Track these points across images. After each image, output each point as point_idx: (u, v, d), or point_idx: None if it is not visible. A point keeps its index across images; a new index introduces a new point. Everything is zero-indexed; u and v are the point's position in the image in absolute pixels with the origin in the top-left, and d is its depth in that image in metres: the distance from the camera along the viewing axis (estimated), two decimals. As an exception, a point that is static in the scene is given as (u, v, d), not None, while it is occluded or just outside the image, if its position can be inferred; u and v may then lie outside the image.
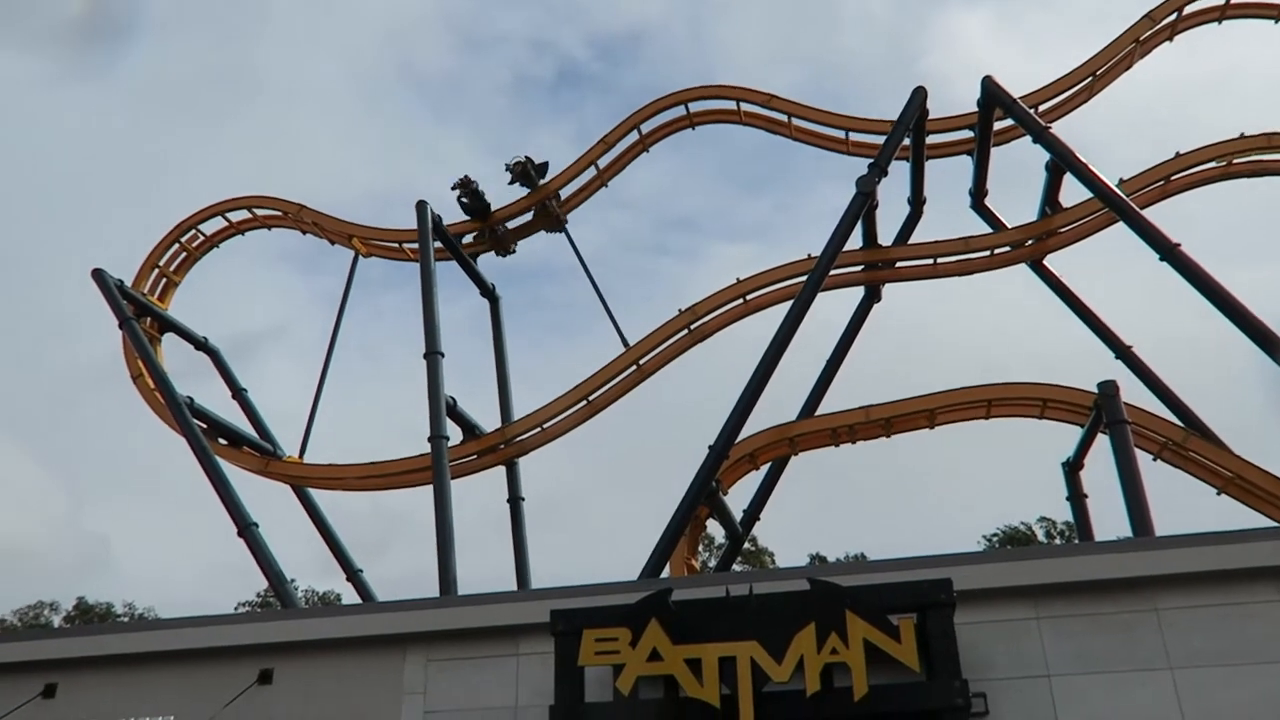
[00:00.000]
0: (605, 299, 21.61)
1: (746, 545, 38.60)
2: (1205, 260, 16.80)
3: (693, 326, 20.18)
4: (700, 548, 36.92)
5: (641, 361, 20.12)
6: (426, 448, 18.52)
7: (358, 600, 20.53)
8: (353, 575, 20.83)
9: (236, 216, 23.84)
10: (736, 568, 29.39)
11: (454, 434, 19.47)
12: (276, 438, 21.99)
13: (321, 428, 21.26)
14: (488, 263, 23.53)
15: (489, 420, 21.29)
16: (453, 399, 19.48)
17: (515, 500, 21.50)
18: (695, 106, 22.78)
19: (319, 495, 21.53)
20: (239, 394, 22.68)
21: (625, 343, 20.41)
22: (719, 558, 28.68)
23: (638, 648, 8.20)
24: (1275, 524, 16.05)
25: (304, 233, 23.88)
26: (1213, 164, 20.23)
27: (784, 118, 22.09)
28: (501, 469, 21.29)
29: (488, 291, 23.64)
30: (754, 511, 20.68)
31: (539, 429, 20.14)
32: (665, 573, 16.46)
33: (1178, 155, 20.00)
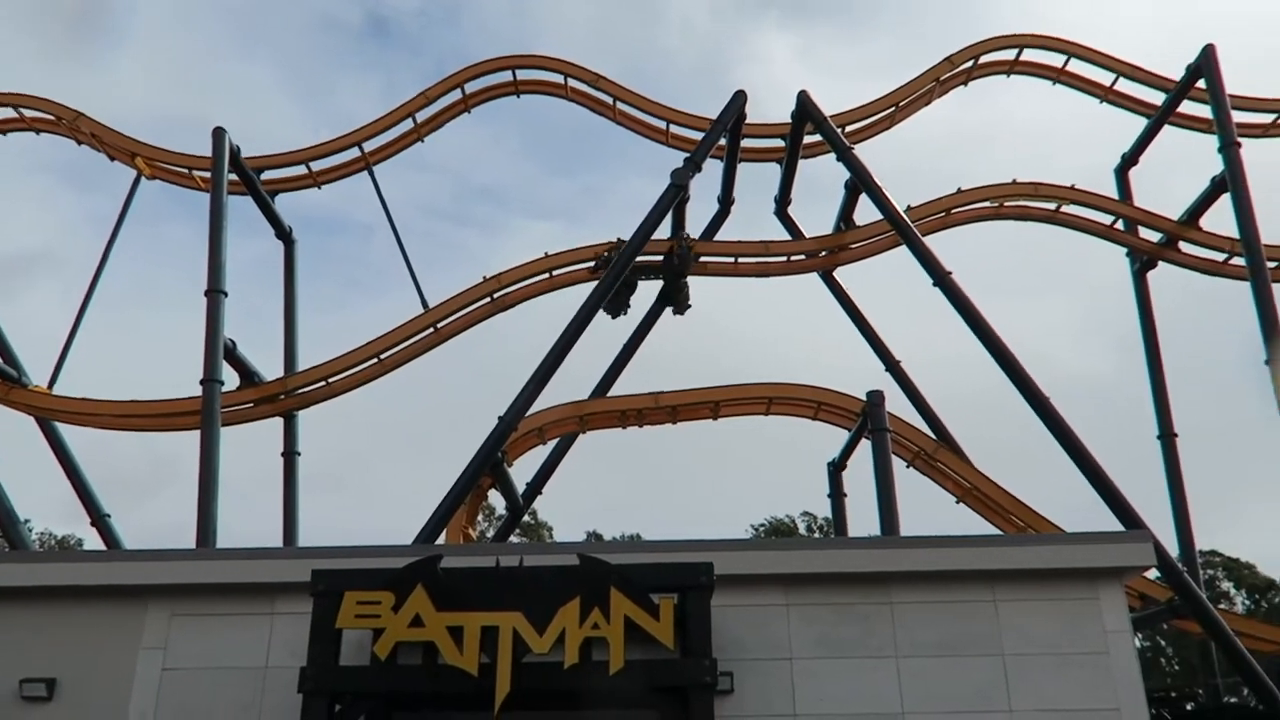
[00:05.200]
0: (408, 256, 20.98)
1: (526, 518, 38.80)
2: (972, 290, 18.45)
3: (495, 295, 20.01)
4: (480, 518, 36.74)
5: (440, 325, 19.76)
6: (199, 390, 17.44)
7: (102, 547, 19.05)
8: (98, 520, 19.30)
9: (-1, 114, 21.41)
10: (514, 540, 29.50)
11: (231, 379, 18.42)
12: (24, 365, 19.96)
13: (86, 361, 19.55)
14: (286, 204, 22.33)
15: (271, 369, 20.27)
16: (232, 342, 18.36)
17: (290, 454, 20.64)
18: (523, 74, 22.55)
19: (71, 433, 19.77)
20: (-18, 312, 20.40)
21: (425, 304, 19.96)
22: (498, 528, 28.66)
23: (400, 612, 8.08)
24: (998, 532, 17.88)
25: (79, 144, 21.74)
26: (987, 203, 22.17)
27: (609, 100, 22.28)
28: (279, 421, 20.34)
29: (284, 234, 22.39)
30: (537, 485, 20.86)
31: (324, 383, 19.37)
32: (441, 540, 16.31)
33: (959, 191, 21.76)
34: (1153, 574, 17.90)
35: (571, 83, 22.46)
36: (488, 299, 20.00)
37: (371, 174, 21.81)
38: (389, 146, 22.08)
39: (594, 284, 18.97)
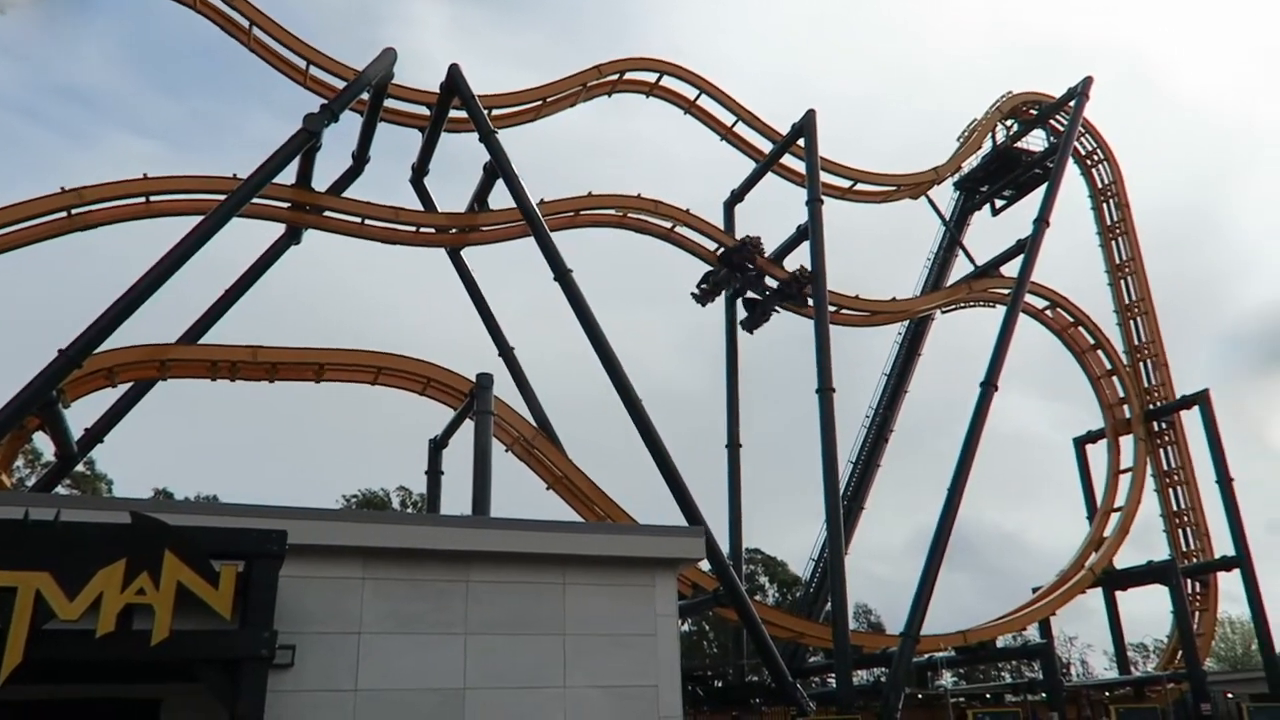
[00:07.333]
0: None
1: (81, 468, 34.27)
2: (592, 293, 19.32)
3: (75, 211, 17.49)
4: (20, 463, 31.88)
5: (-5, 234, 16.84)
6: None
7: None
8: None
9: None
10: (62, 491, 25.89)
11: None
12: None
13: None
14: None
15: None
16: None
17: None
18: (145, -29, 19.90)
19: None
20: None
21: (-22, 207, 16.89)
22: (42, 477, 24.99)
23: (-117, 569, 6.72)
24: (580, 520, 19.00)
25: None
26: (613, 211, 23.51)
27: (245, 23, 20.43)
28: None
29: None
30: (98, 432, 18.57)
31: None
32: (-38, 485, 13.89)
33: (590, 195, 22.84)
34: (706, 566, 20.08)
35: (204, -5, 20.27)
36: (64, 214, 17.41)
37: (-75, 38, 18.02)
38: (-45, 11, 18.39)
39: (199, 218, 17.23)
